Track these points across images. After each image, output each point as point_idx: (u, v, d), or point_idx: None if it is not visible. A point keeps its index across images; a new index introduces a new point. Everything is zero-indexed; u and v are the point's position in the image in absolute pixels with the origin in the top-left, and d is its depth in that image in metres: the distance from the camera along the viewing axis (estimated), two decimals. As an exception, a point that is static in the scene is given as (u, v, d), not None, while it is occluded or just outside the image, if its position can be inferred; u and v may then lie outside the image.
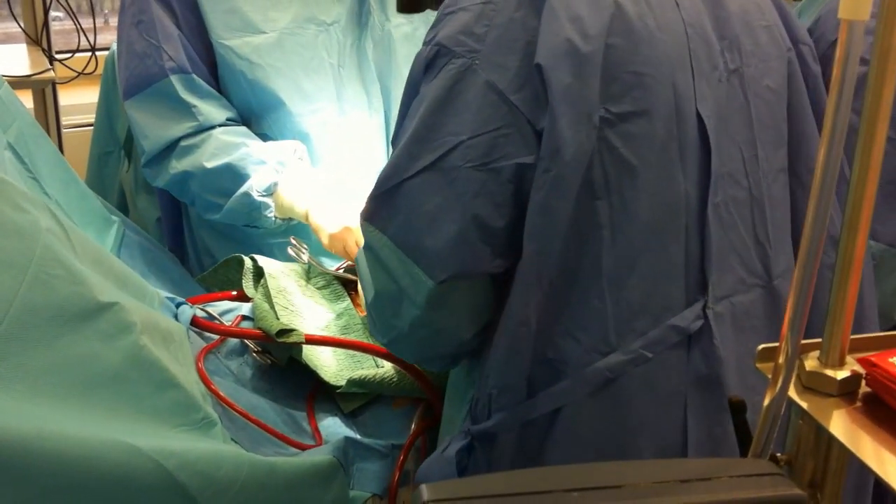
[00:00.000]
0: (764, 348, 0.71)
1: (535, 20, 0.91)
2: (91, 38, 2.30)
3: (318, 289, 1.32)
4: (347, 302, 1.30)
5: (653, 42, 0.93)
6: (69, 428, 0.86)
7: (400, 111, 0.99)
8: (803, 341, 0.66)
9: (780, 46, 1.05)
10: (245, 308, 1.27)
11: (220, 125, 1.36)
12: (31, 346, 0.89)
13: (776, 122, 1.05)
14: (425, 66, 0.95)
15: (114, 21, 2.99)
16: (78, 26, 2.25)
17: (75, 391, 0.92)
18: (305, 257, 1.32)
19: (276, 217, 1.37)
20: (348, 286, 1.33)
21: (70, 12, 2.27)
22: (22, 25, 2.24)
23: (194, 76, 1.33)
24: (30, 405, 0.89)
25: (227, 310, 1.26)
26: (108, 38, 2.63)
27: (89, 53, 2.29)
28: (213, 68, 1.36)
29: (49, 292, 0.91)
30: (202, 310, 1.23)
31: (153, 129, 1.35)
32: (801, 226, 1.09)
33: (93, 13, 2.34)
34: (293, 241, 1.33)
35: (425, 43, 0.96)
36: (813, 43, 1.13)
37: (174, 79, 1.32)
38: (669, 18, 0.95)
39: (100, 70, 1.90)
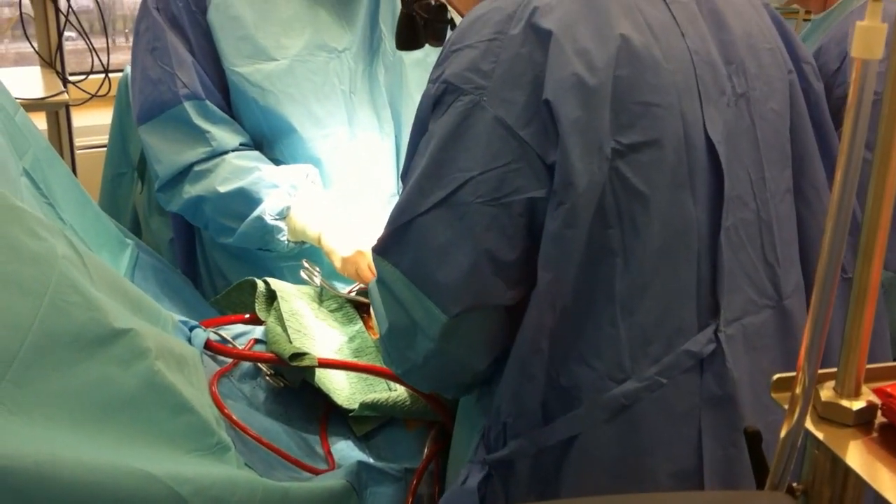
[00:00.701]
0: (780, 378, 0.71)
1: (542, 55, 0.91)
2: (104, 59, 2.32)
3: (331, 311, 1.33)
4: (360, 325, 1.30)
5: (659, 72, 0.94)
6: (84, 454, 0.87)
7: (409, 148, 1.00)
8: (819, 371, 0.66)
9: (782, 69, 1.06)
10: (258, 331, 1.28)
11: (234, 150, 1.37)
12: (47, 372, 0.89)
13: (781, 143, 1.05)
14: (433, 104, 0.96)
15: (122, 41, 3.02)
16: (91, 48, 2.27)
17: (91, 417, 0.92)
18: (318, 280, 1.33)
19: (288, 240, 1.38)
20: (360, 309, 1.33)
21: (83, 34, 2.29)
22: (36, 48, 2.26)
23: (208, 102, 1.34)
24: (46, 431, 0.89)
25: (240, 333, 1.27)
26: (121, 58, 2.65)
27: (102, 75, 2.31)
28: (226, 94, 1.37)
29: (65, 319, 0.92)
30: (215, 333, 1.24)
31: (167, 154, 1.36)
32: (808, 245, 1.12)
33: (106, 34, 2.36)
34: (305, 264, 1.34)
35: (432, 81, 0.97)
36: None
37: (188, 105, 1.33)
38: (675, 47, 0.96)
39: (113, 92, 1.92)
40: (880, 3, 0.46)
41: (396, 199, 1.27)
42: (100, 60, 2.26)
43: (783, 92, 1.05)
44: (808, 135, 1.08)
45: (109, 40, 2.38)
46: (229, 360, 1.21)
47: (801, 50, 1.10)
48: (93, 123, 2.46)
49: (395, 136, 1.48)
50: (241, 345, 1.24)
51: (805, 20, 1.77)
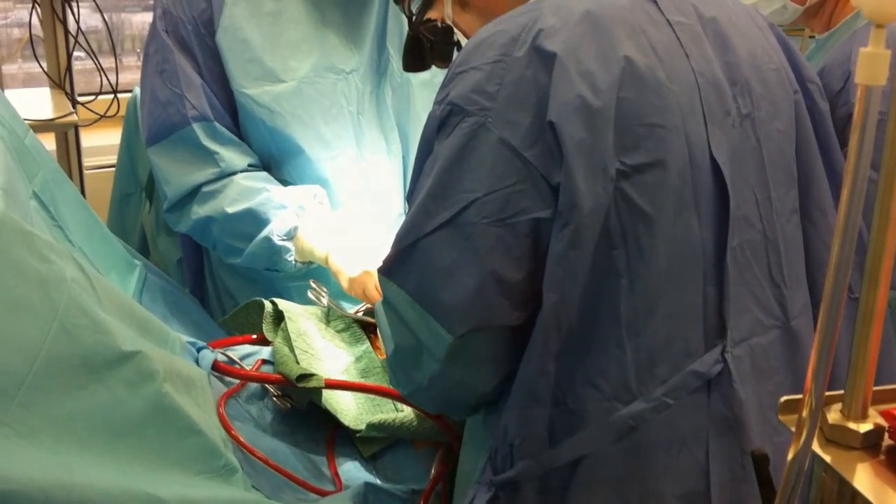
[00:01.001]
0: (787, 400, 0.71)
1: (546, 77, 0.92)
2: (112, 78, 2.33)
3: (338, 332, 1.33)
4: (367, 345, 1.30)
5: (664, 93, 0.94)
6: (93, 477, 0.87)
7: (414, 169, 1.01)
8: (826, 393, 0.66)
9: (787, 89, 1.07)
10: (265, 352, 1.28)
11: (242, 171, 1.38)
12: (56, 395, 0.90)
13: (786, 163, 1.06)
14: (439, 125, 0.97)
15: (129, 60, 3.04)
16: (99, 68, 2.29)
17: (99, 439, 0.93)
18: (325, 300, 1.33)
19: (296, 261, 1.39)
20: (367, 329, 1.34)
21: (92, 55, 2.31)
22: (45, 68, 2.27)
23: (216, 123, 1.35)
24: (54, 454, 0.90)
25: (247, 354, 1.27)
26: (129, 77, 2.67)
27: (111, 96, 2.32)
28: (234, 115, 1.38)
29: (74, 342, 0.92)
30: (223, 354, 1.24)
31: (175, 175, 1.37)
32: (815, 265, 1.12)
33: (115, 55, 2.37)
34: (313, 285, 1.34)
35: (437, 102, 0.98)
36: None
37: (196, 126, 1.34)
38: (679, 68, 0.96)
39: (122, 112, 1.93)
40: (883, 29, 0.46)
41: (403, 218, 1.28)
42: (108, 81, 2.27)
43: (788, 112, 1.06)
44: (814, 154, 1.08)
45: (118, 60, 2.40)
46: (237, 381, 1.21)
47: (806, 70, 1.11)
48: (101, 144, 2.48)
49: (403, 157, 1.49)
50: (248, 365, 1.25)
51: (810, 37, 1.77)
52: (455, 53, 1.18)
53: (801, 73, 1.09)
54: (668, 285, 0.94)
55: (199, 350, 1.20)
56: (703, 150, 0.96)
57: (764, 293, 1.01)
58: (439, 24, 1.17)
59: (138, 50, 3.13)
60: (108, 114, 2.25)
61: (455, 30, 1.17)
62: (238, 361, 1.23)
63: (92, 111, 2.27)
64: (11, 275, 0.90)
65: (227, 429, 1.10)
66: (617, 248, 0.92)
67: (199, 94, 1.34)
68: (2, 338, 0.86)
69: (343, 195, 1.44)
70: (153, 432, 0.95)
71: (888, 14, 0.44)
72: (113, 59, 2.37)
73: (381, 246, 1.24)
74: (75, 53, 2.29)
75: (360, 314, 1.36)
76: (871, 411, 0.69)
